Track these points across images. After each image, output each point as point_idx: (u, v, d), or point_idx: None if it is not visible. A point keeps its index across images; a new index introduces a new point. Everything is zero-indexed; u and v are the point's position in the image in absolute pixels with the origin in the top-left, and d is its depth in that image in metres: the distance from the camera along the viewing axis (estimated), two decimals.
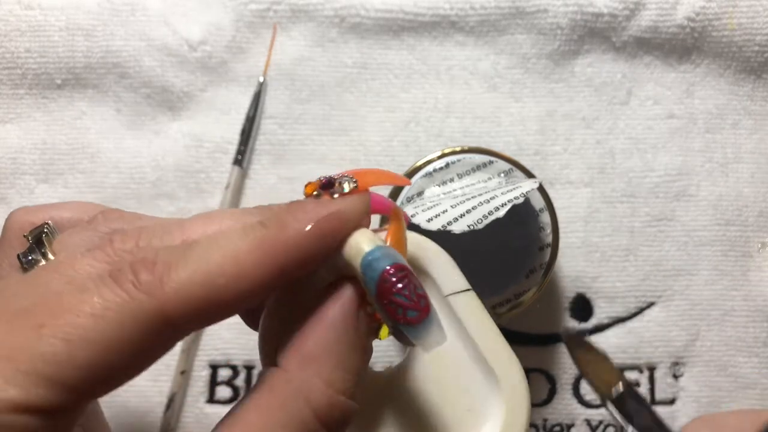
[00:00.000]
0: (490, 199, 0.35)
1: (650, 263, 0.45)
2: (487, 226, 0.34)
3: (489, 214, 0.34)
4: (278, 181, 0.46)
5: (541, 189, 0.40)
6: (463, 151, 0.40)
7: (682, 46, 0.47)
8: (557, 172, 0.46)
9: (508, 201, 0.35)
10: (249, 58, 0.47)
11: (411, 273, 0.23)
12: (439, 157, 0.40)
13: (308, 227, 0.23)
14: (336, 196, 0.24)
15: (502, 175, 0.40)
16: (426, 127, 0.47)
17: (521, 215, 0.39)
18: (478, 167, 0.40)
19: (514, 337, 0.44)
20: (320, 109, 0.47)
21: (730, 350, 0.45)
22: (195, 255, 0.22)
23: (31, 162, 0.47)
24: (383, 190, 0.39)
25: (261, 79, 0.47)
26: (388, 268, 0.23)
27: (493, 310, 0.39)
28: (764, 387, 0.45)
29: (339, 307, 0.24)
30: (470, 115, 0.47)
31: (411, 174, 0.40)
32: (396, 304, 0.23)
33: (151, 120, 0.47)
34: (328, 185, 0.24)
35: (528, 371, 0.45)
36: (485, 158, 0.40)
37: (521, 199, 0.35)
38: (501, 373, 0.27)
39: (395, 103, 0.47)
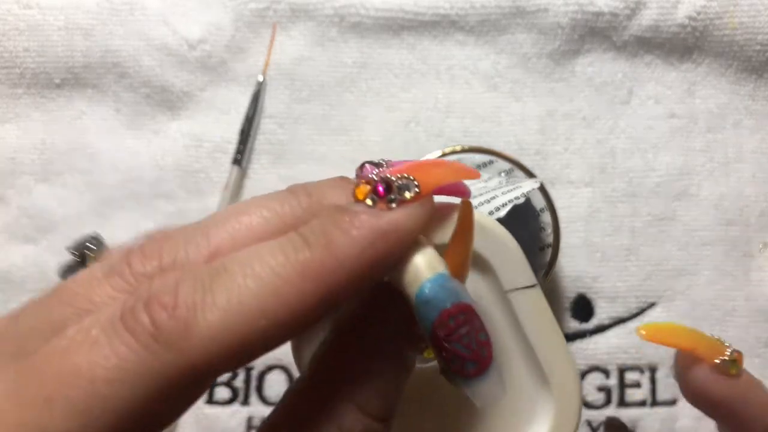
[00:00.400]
0: (491, 199, 0.35)
1: (651, 263, 0.45)
2: None
3: (489, 214, 0.34)
4: (278, 181, 0.46)
5: (542, 189, 0.40)
6: (463, 151, 0.40)
7: (683, 45, 0.47)
8: (558, 171, 0.46)
9: (509, 201, 0.35)
10: (248, 57, 0.47)
11: (475, 315, 0.20)
12: (440, 157, 0.40)
13: (362, 247, 0.19)
14: (394, 204, 0.20)
15: (503, 174, 0.40)
16: (426, 126, 0.46)
17: (522, 215, 0.39)
18: (479, 167, 0.40)
19: None
20: (320, 108, 0.47)
21: None
22: (225, 290, 0.18)
23: (29, 162, 0.46)
24: None
25: (261, 79, 0.47)
26: (448, 309, 0.19)
27: None
28: None
29: (380, 327, 0.21)
30: (470, 115, 0.47)
31: None
32: (452, 353, 0.19)
33: (151, 120, 0.47)
34: (386, 190, 0.20)
35: None
36: (486, 158, 0.40)
37: (522, 199, 0.35)
38: (554, 379, 0.24)
39: (395, 102, 0.47)
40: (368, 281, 0.20)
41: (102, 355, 0.17)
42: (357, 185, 0.20)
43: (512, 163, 0.40)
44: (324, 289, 0.18)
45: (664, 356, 0.45)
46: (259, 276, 0.18)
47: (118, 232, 0.45)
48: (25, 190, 0.46)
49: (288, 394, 0.22)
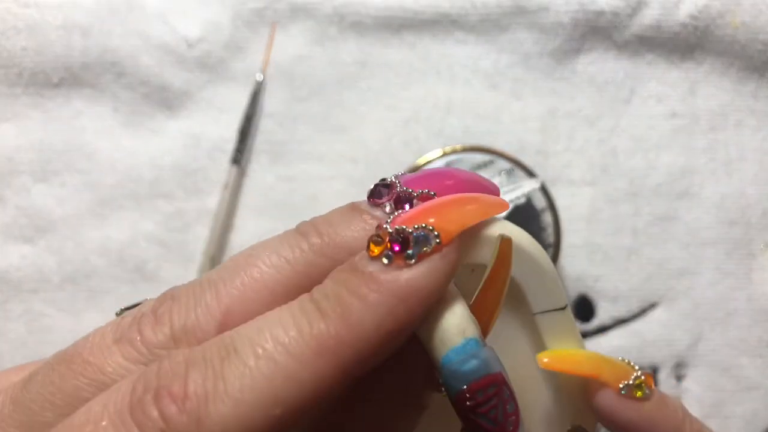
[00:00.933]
0: None
1: (653, 263, 0.45)
2: None
3: None
4: (277, 181, 0.46)
5: (543, 188, 0.40)
6: (463, 150, 0.40)
7: (684, 44, 0.47)
8: (559, 171, 0.46)
9: (510, 201, 0.34)
10: (247, 56, 0.47)
11: (504, 386, 0.18)
12: (440, 156, 0.40)
13: (381, 315, 0.17)
14: (413, 261, 0.18)
15: (504, 174, 0.40)
16: (426, 125, 0.46)
17: (523, 215, 0.39)
18: (479, 166, 0.40)
19: None
20: (319, 107, 0.47)
21: (733, 351, 0.44)
22: (236, 375, 0.17)
23: (28, 161, 0.46)
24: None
25: (260, 78, 0.46)
26: (477, 381, 0.18)
27: None
28: None
29: (400, 374, 0.20)
30: (471, 114, 0.46)
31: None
32: (477, 425, 0.18)
33: (149, 119, 0.47)
34: (403, 243, 0.18)
35: None
36: (486, 157, 0.40)
37: (523, 199, 0.34)
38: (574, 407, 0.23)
39: (395, 101, 0.47)
40: (394, 346, 0.18)
41: None
42: (370, 241, 0.18)
43: (513, 163, 0.40)
44: (342, 365, 0.17)
45: (665, 357, 0.44)
46: (272, 357, 0.17)
47: (116, 232, 0.45)
48: (23, 189, 0.46)
49: None
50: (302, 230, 0.20)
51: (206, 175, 0.46)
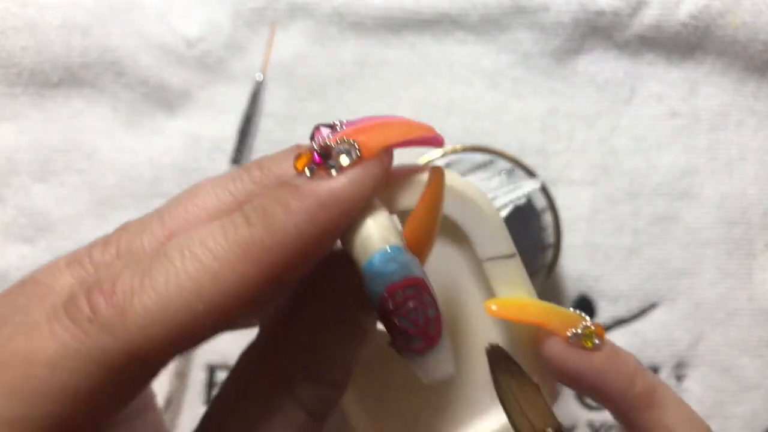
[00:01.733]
0: (492, 199, 0.35)
1: (653, 263, 0.45)
2: None
3: None
4: None
5: (543, 188, 0.40)
6: (463, 150, 0.40)
7: (685, 44, 0.47)
8: (559, 171, 0.46)
9: (510, 201, 0.34)
10: (247, 55, 0.47)
11: (425, 289, 0.19)
12: (440, 156, 0.40)
13: (302, 222, 0.18)
14: (335, 172, 0.19)
15: (504, 173, 0.40)
16: None
17: (523, 215, 0.39)
18: (479, 166, 0.40)
19: None
20: (319, 107, 0.46)
21: (734, 352, 0.44)
22: (162, 273, 0.18)
23: (27, 161, 0.46)
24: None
25: (259, 77, 0.46)
26: (396, 283, 0.18)
27: None
28: None
29: (329, 295, 0.21)
30: (471, 114, 0.46)
31: None
32: (398, 328, 0.19)
33: (149, 118, 0.47)
34: (324, 156, 0.19)
35: None
36: (486, 157, 0.40)
37: (523, 200, 0.34)
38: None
39: (395, 101, 0.46)
40: (318, 253, 0.19)
41: (41, 339, 0.17)
42: (297, 155, 0.19)
43: (513, 163, 0.40)
44: (264, 268, 0.18)
45: (666, 357, 0.44)
46: (198, 259, 0.18)
47: None
48: (22, 189, 0.46)
49: (241, 360, 0.22)
50: (246, 166, 0.21)
51: (206, 175, 0.46)
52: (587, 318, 0.23)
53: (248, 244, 0.18)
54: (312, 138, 0.21)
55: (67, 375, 0.17)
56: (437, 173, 0.20)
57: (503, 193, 0.35)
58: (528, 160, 0.42)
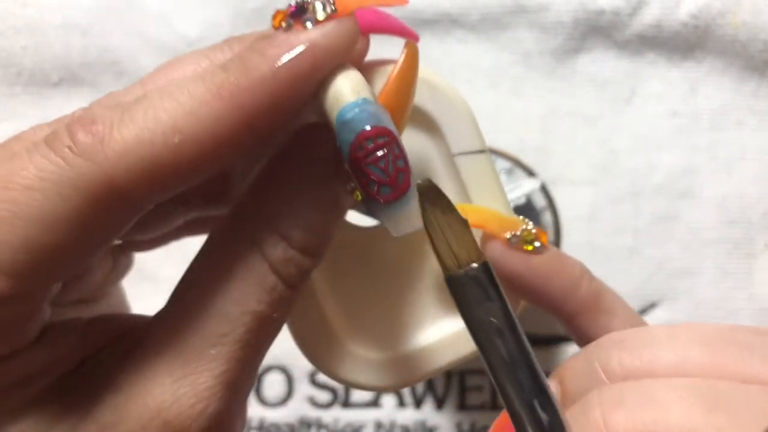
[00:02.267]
0: None
1: (654, 263, 0.45)
2: None
3: None
4: None
5: (543, 188, 0.40)
6: None
7: (685, 43, 0.47)
8: (559, 170, 0.46)
9: (510, 201, 0.34)
10: None
11: (394, 140, 0.19)
12: None
13: (277, 66, 0.19)
14: (310, 25, 0.19)
15: (503, 173, 0.39)
16: None
17: (523, 214, 0.39)
18: None
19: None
20: None
21: None
22: (141, 109, 0.18)
23: None
24: None
25: None
26: (366, 130, 0.19)
27: None
28: None
29: (302, 160, 0.21)
30: None
31: None
32: (369, 176, 0.19)
33: None
34: (299, 11, 0.20)
35: None
36: None
37: (523, 200, 0.34)
38: None
39: None
40: (290, 109, 0.19)
41: (20, 165, 0.18)
42: (274, 15, 0.20)
43: (513, 162, 0.40)
44: (239, 109, 0.18)
45: None
46: (175, 98, 0.18)
47: None
48: None
49: (214, 225, 0.22)
50: (229, 39, 0.22)
51: None
52: (529, 222, 0.23)
53: (224, 83, 0.19)
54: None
55: (45, 198, 0.18)
56: (411, 46, 0.21)
57: None
58: (528, 160, 0.42)
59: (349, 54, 0.20)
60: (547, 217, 0.40)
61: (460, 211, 0.20)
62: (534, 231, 0.23)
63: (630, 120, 0.46)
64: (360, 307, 0.25)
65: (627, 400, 0.17)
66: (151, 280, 0.44)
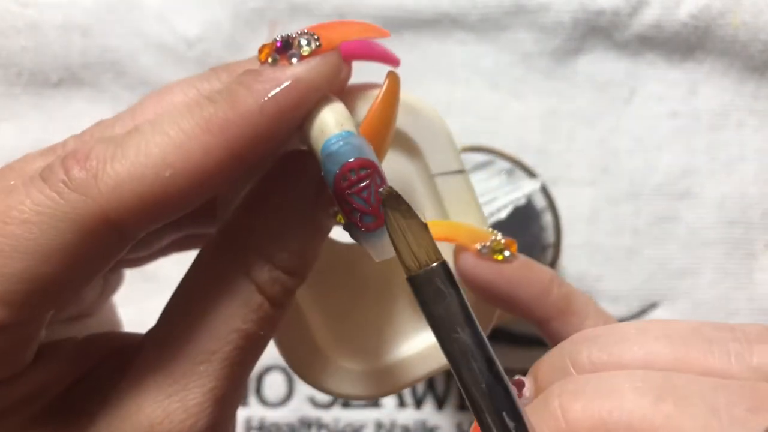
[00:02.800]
0: (492, 200, 0.35)
1: (654, 263, 0.45)
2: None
3: (490, 215, 0.34)
4: None
5: (543, 188, 0.40)
6: (463, 150, 0.40)
7: (685, 43, 0.47)
8: (559, 171, 0.46)
9: (510, 202, 0.34)
10: (247, 55, 0.47)
11: (376, 172, 0.20)
12: None
13: (263, 101, 0.19)
14: (296, 60, 0.20)
15: (504, 174, 0.40)
16: None
17: (523, 215, 0.39)
18: (479, 166, 0.40)
19: (515, 339, 0.44)
20: None
21: None
22: (133, 144, 0.19)
23: None
24: None
25: None
26: (350, 162, 0.20)
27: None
28: None
29: (287, 186, 0.22)
30: (471, 114, 0.46)
31: None
32: (352, 205, 0.20)
33: None
34: (284, 47, 0.20)
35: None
36: (486, 157, 0.40)
37: (523, 201, 0.34)
38: None
39: None
40: (276, 141, 0.20)
41: (18, 200, 0.19)
42: (260, 50, 0.21)
43: (513, 163, 0.40)
44: (228, 142, 0.19)
45: None
46: (166, 132, 0.19)
47: None
48: None
49: (201, 249, 0.22)
50: (215, 69, 0.23)
51: None
52: (498, 234, 0.24)
53: (212, 117, 0.19)
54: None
55: (41, 231, 0.18)
56: (393, 76, 0.22)
57: (503, 194, 0.35)
58: (528, 160, 0.42)
59: (333, 86, 0.21)
60: (547, 218, 0.40)
61: (432, 226, 0.20)
62: (503, 241, 0.24)
63: (630, 120, 0.46)
64: (343, 319, 0.26)
65: (586, 391, 0.18)
66: (151, 280, 0.44)
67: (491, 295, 0.24)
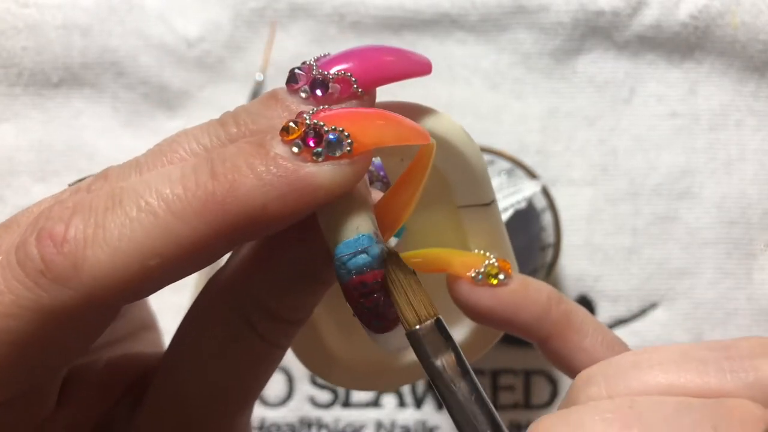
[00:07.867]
0: None
1: (653, 263, 0.45)
2: None
3: None
4: None
5: (543, 189, 0.40)
6: None
7: (685, 44, 0.47)
8: (559, 171, 0.46)
9: (510, 206, 0.34)
10: (247, 56, 0.47)
11: None
12: None
13: (269, 198, 0.17)
14: (320, 159, 0.18)
15: (504, 174, 0.40)
16: None
17: (523, 215, 0.39)
18: None
19: (515, 339, 0.44)
20: None
21: None
22: (117, 225, 0.17)
23: (27, 161, 0.46)
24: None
25: (259, 78, 0.46)
26: (363, 274, 0.18)
27: None
28: None
29: (295, 252, 0.20)
30: (471, 114, 0.46)
31: None
32: (362, 308, 0.19)
33: (149, 119, 0.47)
34: (316, 136, 0.18)
35: (530, 373, 0.44)
36: (486, 157, 0.40)
37: (523, 204, 0.34)
38: None
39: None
40: (277, 229, 0.18)
41: None
42: (286, 125, 0.18)
43: (513, 163, 0.40)
44: (221, 230, 0.17)
45: None
46: (153, 211, 0.17)
47: None
48: (22, 189, 0.46)
49: (200, 295, 0.22)
50: (222, 120, 0.20)
51: None
52: (491, 257, 0.24)
53: (209, 201, 0.17)
54: (287, 83, 0.20)
55: (22, 325, 0.17)
56: (427, 151, 0.20)
57: (504, 197, 0.35)
58: (528, 161, 0.42)
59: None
60: (547, 218, 0.40)
61: (422, 256, 0.20)
62: (497, 264, 0.24)
63: (629, 120, 0.46)
64: (351, 319, 0.26)
65: (556, 428, 0.18)
66: None
67: (491, 321, 0.24)
